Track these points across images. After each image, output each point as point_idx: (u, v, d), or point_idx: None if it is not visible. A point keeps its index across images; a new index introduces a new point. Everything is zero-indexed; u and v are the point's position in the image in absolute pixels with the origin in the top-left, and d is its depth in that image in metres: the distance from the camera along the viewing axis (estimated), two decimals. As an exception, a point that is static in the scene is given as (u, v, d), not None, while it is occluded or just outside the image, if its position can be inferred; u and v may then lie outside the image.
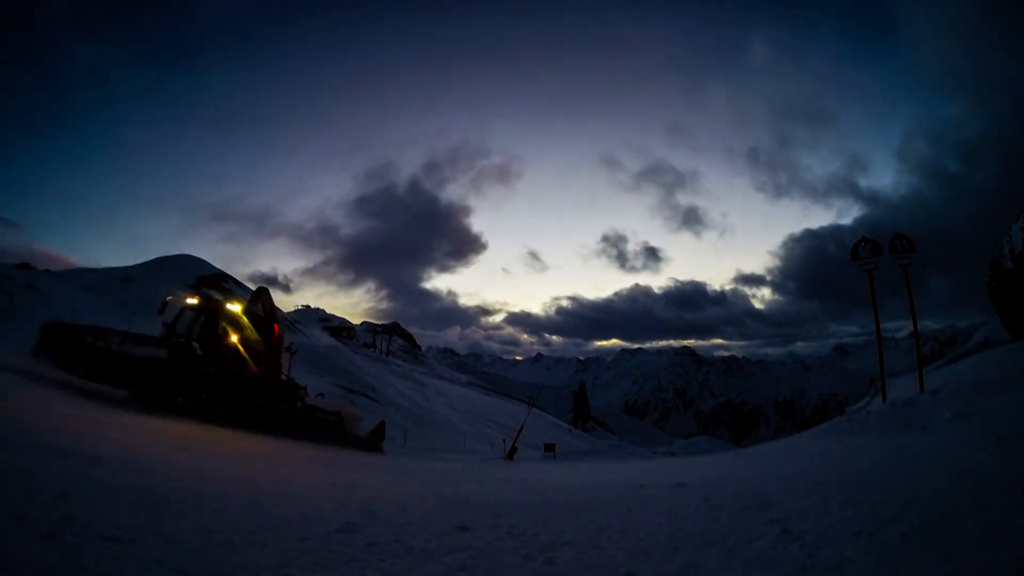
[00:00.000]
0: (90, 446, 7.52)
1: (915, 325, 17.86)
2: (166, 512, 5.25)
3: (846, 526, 4.39)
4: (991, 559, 3.29)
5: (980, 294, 25.36)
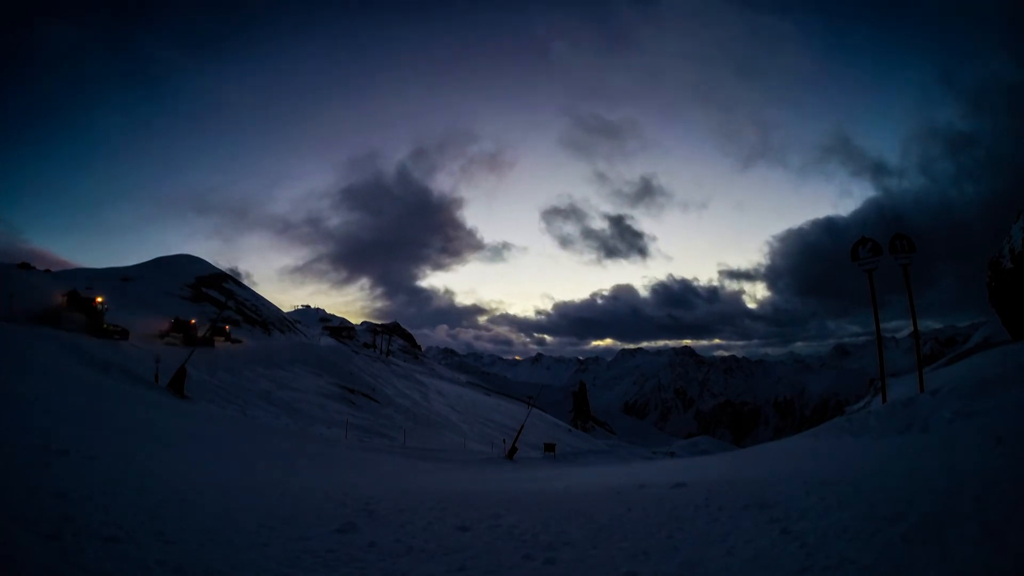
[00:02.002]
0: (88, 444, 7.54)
1: (915, 325, 17.87)
2: (166, 512, 5.26)
3: (846, 526, 4.39)
4: (991, 559, 3.29)
5: (985, 289, 25.19)
